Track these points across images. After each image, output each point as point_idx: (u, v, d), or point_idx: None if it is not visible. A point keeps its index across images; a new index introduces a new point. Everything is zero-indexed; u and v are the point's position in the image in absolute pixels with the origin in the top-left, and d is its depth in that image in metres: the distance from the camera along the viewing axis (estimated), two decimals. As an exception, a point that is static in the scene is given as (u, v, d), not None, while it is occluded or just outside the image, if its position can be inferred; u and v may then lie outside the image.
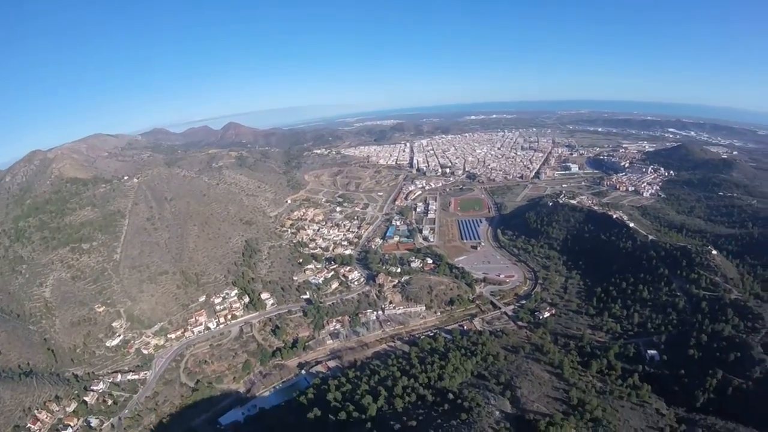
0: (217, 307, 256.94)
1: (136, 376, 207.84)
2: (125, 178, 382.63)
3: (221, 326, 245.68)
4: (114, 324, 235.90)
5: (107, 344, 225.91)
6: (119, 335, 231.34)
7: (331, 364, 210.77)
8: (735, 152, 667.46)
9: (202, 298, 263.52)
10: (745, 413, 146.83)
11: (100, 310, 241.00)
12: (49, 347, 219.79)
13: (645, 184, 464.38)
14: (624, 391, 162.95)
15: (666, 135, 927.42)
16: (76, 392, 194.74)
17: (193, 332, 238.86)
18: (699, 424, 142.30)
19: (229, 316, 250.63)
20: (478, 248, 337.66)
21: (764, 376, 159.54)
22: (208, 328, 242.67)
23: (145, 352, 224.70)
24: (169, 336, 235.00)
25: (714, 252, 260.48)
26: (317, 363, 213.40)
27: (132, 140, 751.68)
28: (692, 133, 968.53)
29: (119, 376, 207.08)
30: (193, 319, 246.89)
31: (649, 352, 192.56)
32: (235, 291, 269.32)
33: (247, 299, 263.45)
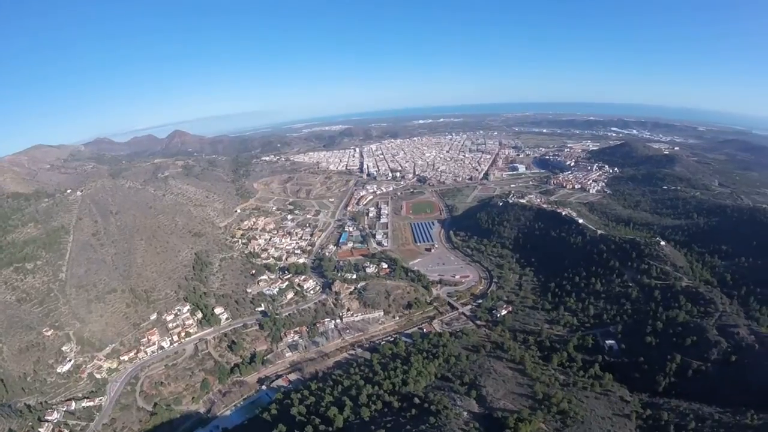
0: (170, 325, 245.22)
1: (91, 403, 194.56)
2: (68, 191, 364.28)
3: (175, 345, 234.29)
4: (64, 348, 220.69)
5: (58, 370, 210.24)
6: (70, 360, 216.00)
7: (293, 377, 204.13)
8: (676, 148, 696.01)
9: (154, 316, 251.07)
10: (706, 394, 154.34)
11: (49, 333, 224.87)
12: None
13: (591, 181, 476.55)
14: (587, 381, 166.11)
15: (609, 134, 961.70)
16: (30, 424, 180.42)
17: (146, 353, 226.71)
18: (663, 408, 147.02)
19: (183, 334, 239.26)
20: (432, 250, 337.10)
21: (721, 357, 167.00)
22: (161, 348, 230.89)
23: (98, 376, 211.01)
24: (121, 358, 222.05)
25: (662, 243, 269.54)
26: (278, 377, 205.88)
27: (75, 151, 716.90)
28: (634, 131, 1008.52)
29: (73, 403, 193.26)
30: (146, 338, 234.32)
31: (607, 342, 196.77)
32: (188, 307, 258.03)
33: (200, 315, 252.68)
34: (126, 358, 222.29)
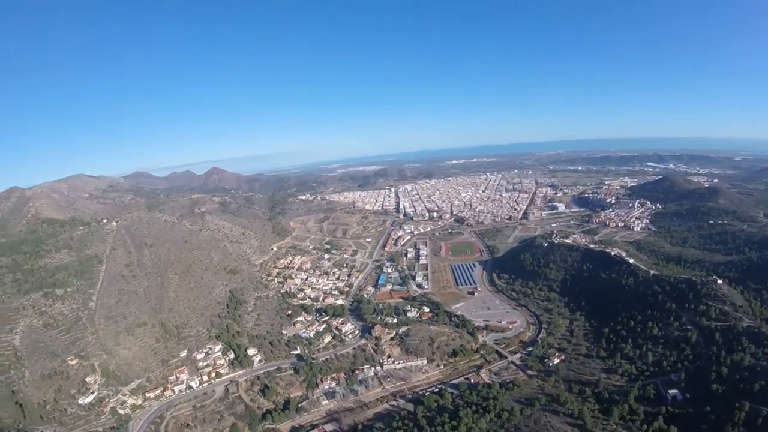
0: (200, 364, 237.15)
1: None
2: (104, 221, 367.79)
3: (204, 385, 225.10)
4: (88, 379, 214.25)
5: (80, 401, 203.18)
6: (93, 392, 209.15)
7: (329, 428, 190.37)
8: (715, 180, 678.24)
9: (183, 353, 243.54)
10: None
11: (73, 362, 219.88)
12: (17, 401, 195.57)
13: (634, 218, 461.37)
14: None
15: (646, 169, 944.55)
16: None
17: (173, 391, 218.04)
18: None
19: (213, 374, 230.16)
20: (475, 294, 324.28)
21: None
22: (190, 387, 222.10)
23: (121, 412, 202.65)
24: (147, 395, 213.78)
25: (719, 281, 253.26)
26: (313, 427, 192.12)
27: (114, 182, 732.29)
28: (671, 165, 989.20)
29: None
30: (174, 376, 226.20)
31: (670, 391, 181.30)
32: (219, 346, 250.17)
33: (232, 355, 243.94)
34: (152, 395, 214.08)
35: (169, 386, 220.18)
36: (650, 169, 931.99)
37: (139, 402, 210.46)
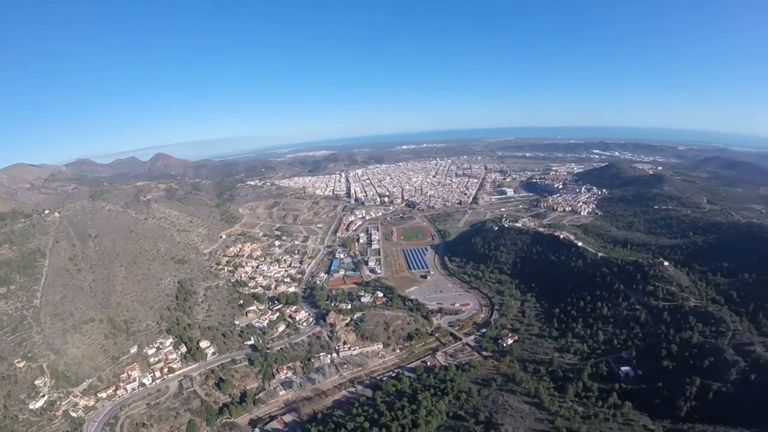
0: (152, 359, 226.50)
1: None
2: (46, 212, 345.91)
3: (158, 381, 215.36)
4: (37, 382, 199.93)
5: (31, 406, 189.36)
6: (43, 395, 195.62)
7: (288, 418, 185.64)
8: (660, 168, 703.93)
9: (134, 349, 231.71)
10: (729, 415, 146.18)
11: (21, 365, 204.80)
12: None
13: (581, 203, 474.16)
14: (607, 412, 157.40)
15: (592, 156, 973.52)
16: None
17: (126, 389, 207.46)
18: None
19: (166, 370, 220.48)
20: (428, 277, 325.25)
21: (741, 376, 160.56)
22: (143, 384, 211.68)
23: (74, 414, 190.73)
24: (99, 395, 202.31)
25: (666, 263, 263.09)
26: (272, 418, 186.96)
27: (56, 171, 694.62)
28: (616, 153, 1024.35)
29: None
30: (125, 374, 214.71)
31: (622, 368, 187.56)
32: (171, 340, 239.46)
33: (184, 349, 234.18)
34: (104, 395, 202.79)
35: (122, 385, 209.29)
36: (596, 156, 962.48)
37: (92, 403, 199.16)
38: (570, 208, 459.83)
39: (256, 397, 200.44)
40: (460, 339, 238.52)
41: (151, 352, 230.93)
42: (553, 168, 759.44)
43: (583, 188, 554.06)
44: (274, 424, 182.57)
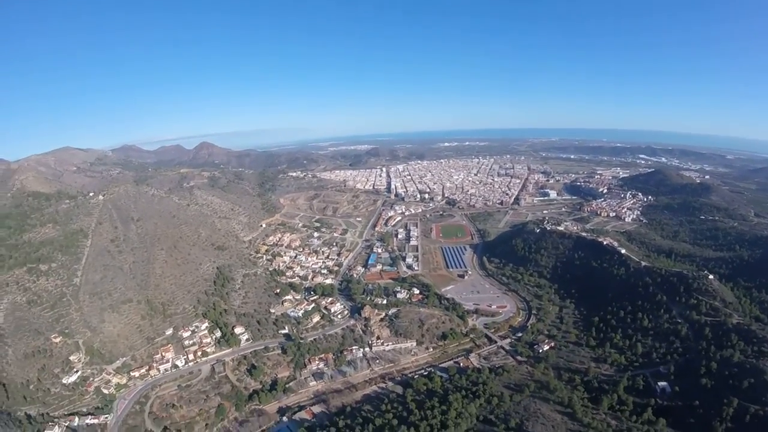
0: (186, 342, 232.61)
1: (96, 420, 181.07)
2: (91, 194, 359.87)
3: (190, 364, 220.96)
4: (72, 358, 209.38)
5: (64, 381, 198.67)
6: (77, 371, 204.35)
7: (317, 409, 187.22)
8: (707, 176, 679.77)
9: (169, 331, 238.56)
10: None
11: (57, 340, 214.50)
12: (0, 380, 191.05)
13: (625, 209, 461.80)
14: (641, 428, 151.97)
15: (638, 161, 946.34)
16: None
17: (158, 370, 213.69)
18: None
19: (199, 353, 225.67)
20: (465, 277, 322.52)
21: None
22: (175, 366, 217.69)
23: (106, 391, 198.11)
24: (132, 374, 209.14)
25: (710, 276, 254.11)
26: (300, 408, 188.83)
27: (102, 155, 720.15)
28: (663, 159, 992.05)
29: (77, 419, 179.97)
30: (159, 355, 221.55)
31: (659, 383, 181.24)
32: (206, 324, 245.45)
33: (219, 334, 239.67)
34: (137, 374, 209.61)
35: (155, 365, 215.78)
36: (642, 162, 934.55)
37: (124, 381, 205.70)
38: (614, 214, 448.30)
39: (287, 385, 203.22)
40: (495, 342, 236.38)
41: (186, 334, 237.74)
42: (598, 171, 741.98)
43: (628, 194, 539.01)
44: (303, 414, 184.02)
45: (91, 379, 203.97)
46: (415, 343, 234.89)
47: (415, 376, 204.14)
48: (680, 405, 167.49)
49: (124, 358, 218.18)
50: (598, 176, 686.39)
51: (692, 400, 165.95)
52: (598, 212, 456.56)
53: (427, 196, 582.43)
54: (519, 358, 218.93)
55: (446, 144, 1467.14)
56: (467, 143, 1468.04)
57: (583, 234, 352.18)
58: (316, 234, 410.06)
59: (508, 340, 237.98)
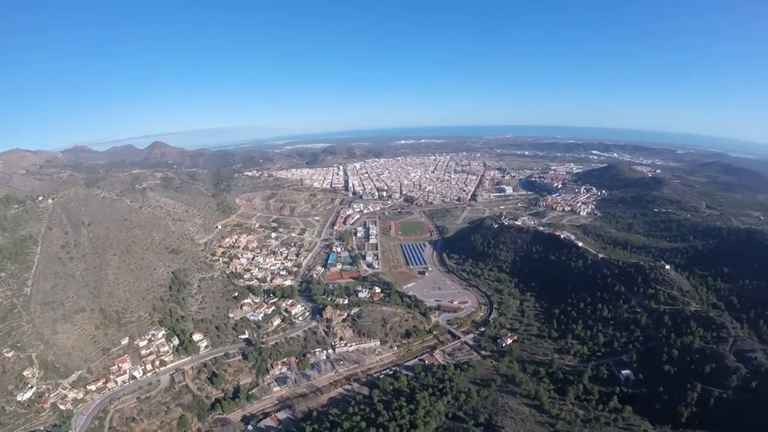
0: (143, 352, 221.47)
1: None
2: (40, 198, 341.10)
3: (149, 374, 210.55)
4: (25, 373, 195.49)
5: (18, 398, 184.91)
6: (32, 386, 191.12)
7: (282, 415, 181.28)
8: (658, 171, 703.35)
9: (125, 341, 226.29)
10: (730, 422, 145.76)
11: (9, 355, 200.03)
12: None
13: (580, 203, 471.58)
14: (608, 416, 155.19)
15: (590, 157, 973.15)
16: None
17: (116, 382, 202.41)
18: None
19: (157, 362, 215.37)
20: (426, 274, 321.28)
21: (741, 383, 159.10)
22: (133, 377, 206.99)
23: (63, 407, 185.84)
24: (88, 387, 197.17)
25: (667, 266, 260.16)
26: (265, 415, 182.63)
27: (51, 157, 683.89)
28: (615, 154, 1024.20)
29: None
30: (116, 366, 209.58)
31: (623, 372, 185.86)
32: (163, 332, 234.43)
33: (176, 341, 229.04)
34: (94, 387, 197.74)
35: (112, 377, 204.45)
36: (595, 157, 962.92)
37: (81, 396, 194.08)
38: (569, 208, 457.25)
39: (250, 392, 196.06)
40: (459, 337, 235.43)
41: (142, 344, 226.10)
42: (552, 167, 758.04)
43: (582, 188, 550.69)
44: (268, 422, 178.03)
45: (47, 395, 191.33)
46: (378, 343, 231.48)
47: (381, 376, 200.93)
48: (645, 392, 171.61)
49: (80, 371, 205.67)
50: (553, 172, 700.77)
51: (656, 386, 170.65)
52: (554, 207, 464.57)
53: (385, 193, 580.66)
54: (483, 352, 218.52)
55: (403, 141, 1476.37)
56: (424, 141, 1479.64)
57: (541, 228, 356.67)
58: (273, 234, 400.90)
59: (472, 336, 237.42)
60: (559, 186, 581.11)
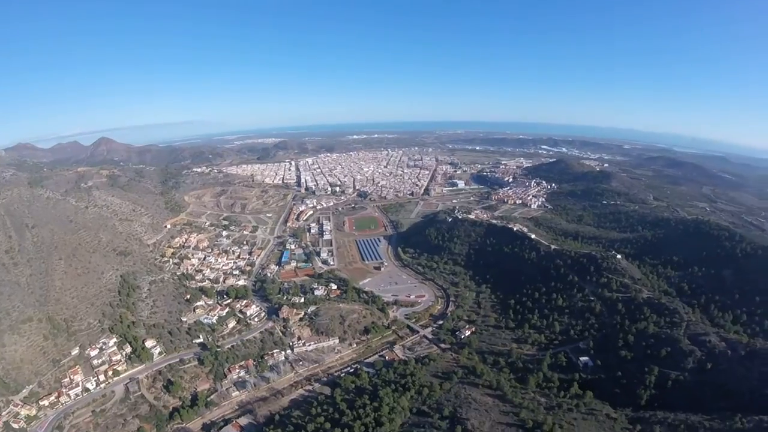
0: (95, 362, 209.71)
1: None
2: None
3: (102, 385, 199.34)
4: None
5: None
6: None
7: (243, 421, 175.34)
8: (606, 165, 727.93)
9: (75, 351, 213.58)
10: (688, 403, 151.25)
11: None
12: None
13: (531, 196, 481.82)
14: (570, 402, 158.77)
15: (540, 152, 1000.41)
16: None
17: (69, 396, 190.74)
18: (652, 421, 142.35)
19: (110, 372, 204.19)
20: (382, 269, 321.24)
21: (697, 365, 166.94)
22: (86, 390, 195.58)
23: (16, 426, 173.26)
24: (41, 403, 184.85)
25: (618, 256, 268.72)
26: (226, 422, 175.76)
27: None
28: (564, 149, 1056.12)
29: None
30: (68, 378, 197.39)
31: (581, 359, 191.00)
32: (114, 339, 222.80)
33: (129, 349, 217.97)
34: (46, 402, 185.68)
35: (64, 390, 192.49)
36: (544, 152, 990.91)
37: (33, 412, 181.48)
38: (520, 201, 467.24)
39: (208, 399, 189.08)
40: (418, 332, 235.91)
41: (93, 353, 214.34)
42: (503, 162, 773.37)
43: (532, 182, 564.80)
44: (229, 429, 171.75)
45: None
46: (338, 341, 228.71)
47: (342, 375, 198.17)
48: (604, 377, 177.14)
49: (31, 386, 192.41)
50: (504, 166, 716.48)
51: (615, 371, 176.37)
52: (506, 200, 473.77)
53: (338, 189, 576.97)
54: (443, 345, 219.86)
55: (355, 137, 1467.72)
56: (376, 136, 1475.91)
57: (494, 221, 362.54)
58: (225, 233, 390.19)
59: (430, 329, 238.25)
60: (511, 180, 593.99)
